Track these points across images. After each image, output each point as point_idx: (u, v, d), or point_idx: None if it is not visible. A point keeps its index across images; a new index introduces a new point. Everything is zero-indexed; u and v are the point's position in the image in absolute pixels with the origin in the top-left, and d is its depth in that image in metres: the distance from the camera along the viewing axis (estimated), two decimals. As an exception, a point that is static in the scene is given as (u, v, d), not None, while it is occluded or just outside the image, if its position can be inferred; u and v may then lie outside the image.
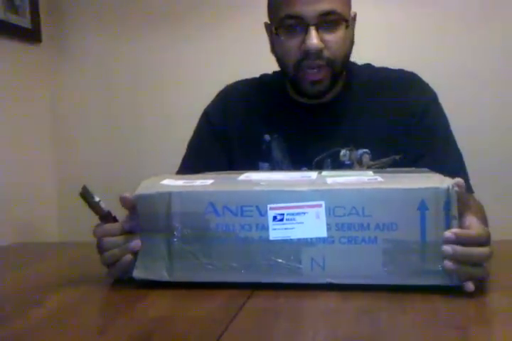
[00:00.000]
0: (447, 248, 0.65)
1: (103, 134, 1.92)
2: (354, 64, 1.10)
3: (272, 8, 1.02)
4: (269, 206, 0.69)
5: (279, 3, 0.98)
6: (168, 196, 0.71)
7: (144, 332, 0.59)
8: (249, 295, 0.68)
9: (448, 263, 0.65)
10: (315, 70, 0.98)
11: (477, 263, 0.67)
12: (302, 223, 0.68)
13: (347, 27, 0.99)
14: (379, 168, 1.01)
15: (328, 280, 0.69)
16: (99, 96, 1.92)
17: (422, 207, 0.66)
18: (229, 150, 1.11)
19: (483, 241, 0.67)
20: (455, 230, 0.66)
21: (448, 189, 0.66)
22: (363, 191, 0.69)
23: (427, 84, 1.09)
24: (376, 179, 0.73)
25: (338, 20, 0.97)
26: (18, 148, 1.75)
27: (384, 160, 1.04)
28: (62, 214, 1.92)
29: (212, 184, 0.74)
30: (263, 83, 1.15)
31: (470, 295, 0.65)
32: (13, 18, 1.72)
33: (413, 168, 0.89)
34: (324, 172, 0.81)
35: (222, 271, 0.70)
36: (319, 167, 1.04)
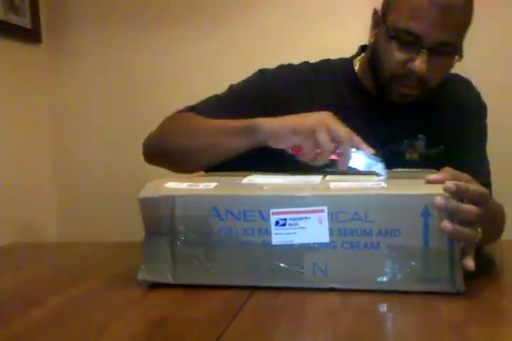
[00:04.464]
0: (439, 200, 0.64)
1: (103, 134, 1.92)
2: None
3: (395, 10, 0.97)
4: (271, 211, 0.68)
5: (405, 11, 0.95)
6: (171, 199, 0.71)
7: (144, 332, 0.59)
8: (249, 295, 0.68)
9: (444, 222, 0.64)
10: (409, 87, 0.99)
11: (470, 222, 0.66)
12: (304, 228, 0.68)
13: (456, 58, 0.99)
14: (427, 157, 1.04)
15: (331, 285, 0.68)
16: (99, 96, 1.92)
17: (425, 213, 0.66)
18: None
19: (478, 197, 0.68)
20: (453, 181, 0.66)
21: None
22: (366, 196, 0.68)
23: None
24: (379, 184, 0.72)
25: (453, 51, 0.97)
26: (17, 148, 1.75)
27: (433, 150, 1.06)
28: (61, 214, 1.92)
29: (215, 187, 0.74)
30: (328, 69, 1.11)
31: (470, 295, 0.65)
32: (13, 18, 1.72)
33: (420, 170, 0.88)
34: (328, 177, 0.81)
35: (225, 275, 0.71)
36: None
